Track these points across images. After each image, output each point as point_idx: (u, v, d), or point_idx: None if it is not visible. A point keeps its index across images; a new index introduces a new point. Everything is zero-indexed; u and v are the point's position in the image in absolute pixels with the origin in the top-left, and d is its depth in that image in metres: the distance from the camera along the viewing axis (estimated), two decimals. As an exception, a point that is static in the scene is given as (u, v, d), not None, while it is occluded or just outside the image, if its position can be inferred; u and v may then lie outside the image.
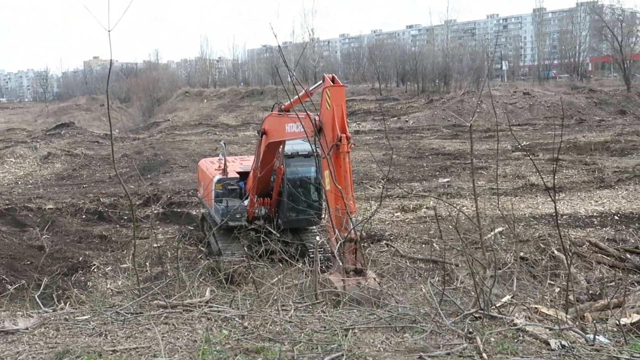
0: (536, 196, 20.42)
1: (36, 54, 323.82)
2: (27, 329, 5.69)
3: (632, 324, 7.86)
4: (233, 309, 6.63)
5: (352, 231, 8.76)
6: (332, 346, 5.02)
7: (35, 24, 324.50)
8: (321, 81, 10.59)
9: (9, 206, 21.15)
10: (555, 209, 6.73)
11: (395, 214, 18.76)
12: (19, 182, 28.94)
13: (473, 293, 7.39)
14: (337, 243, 8.73)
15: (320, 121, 10.10)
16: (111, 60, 6.93)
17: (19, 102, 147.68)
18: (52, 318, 6.10)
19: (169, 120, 67.11)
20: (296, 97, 11.12)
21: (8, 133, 53.18)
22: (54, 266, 14.62)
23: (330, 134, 9.82)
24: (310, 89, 11.44)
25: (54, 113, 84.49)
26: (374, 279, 8.37)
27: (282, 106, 12.64)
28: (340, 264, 8.52)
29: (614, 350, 4.90)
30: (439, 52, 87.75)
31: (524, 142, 33.90)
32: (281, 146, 13.68)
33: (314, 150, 12.57)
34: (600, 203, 19.20)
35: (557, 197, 19.53)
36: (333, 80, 10.15)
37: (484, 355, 4.75)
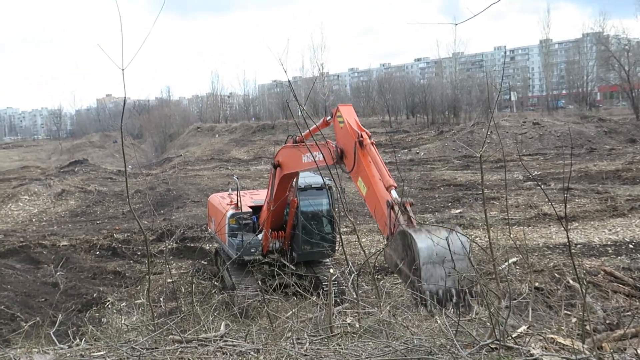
0: (549, 226, 20.29)
1: (50, 92, 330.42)
2: (44, 365, 5.72)
3: (650, 353, 7.78)
4: (248, 342, 6.63)
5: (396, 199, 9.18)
6: (349, 379, 5.01)
7: (48, 64, 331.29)
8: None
9: (24, 243, 21.29)
10: (568, 238, 6.72)
11: (408, 246, 18.66)
12: (33, 220, 29.20)
13: (488, 324, 7.35)
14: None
15: (340, 148, 10.15)
16: (125, 97, 7.08)
17: (33, 140, 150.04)
18: (68, 354, 6.11)
19: (181, 155, 67.72)
20: (314, 126, 11.09)
21: (22, 171, 54.00)
22: (69, 302, 14.71)
23: (351, 139, 9.90)
24: (328, 118, 11.52)
25: (68, 150, 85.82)
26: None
27: (297, 137, 12.60)
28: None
29: (633, 380, 4.86)
30: (447, 84, 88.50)
31: (535, 172, 33.83)
32: (295, 179, 13.73)
33: (325, 183, 12.69)
34: (614, 232, 19.05)
35: (570, 226, 19.40)
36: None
37: (502, 386, 4.73)
